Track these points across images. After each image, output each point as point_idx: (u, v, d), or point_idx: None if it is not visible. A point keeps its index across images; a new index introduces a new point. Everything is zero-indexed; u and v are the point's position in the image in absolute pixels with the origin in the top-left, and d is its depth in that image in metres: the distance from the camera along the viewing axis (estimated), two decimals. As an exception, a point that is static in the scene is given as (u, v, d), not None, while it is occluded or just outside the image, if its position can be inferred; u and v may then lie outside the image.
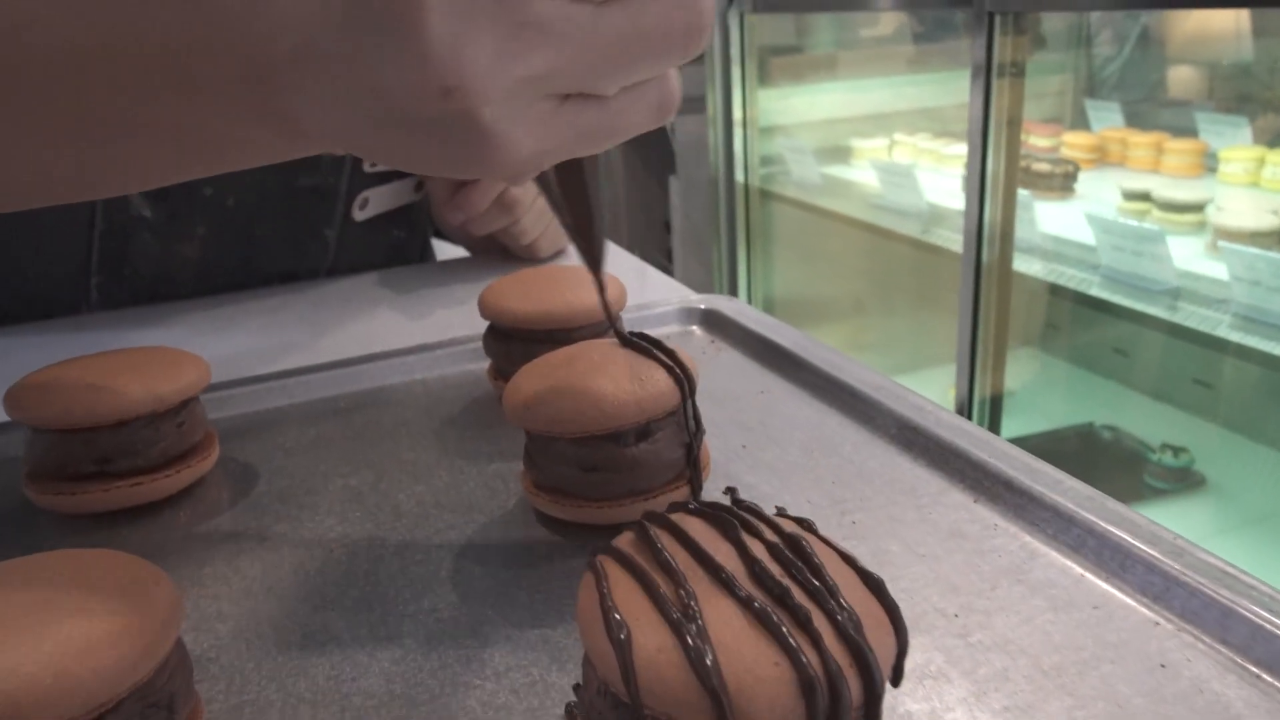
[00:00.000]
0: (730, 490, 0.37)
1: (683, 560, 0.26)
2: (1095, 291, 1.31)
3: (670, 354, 0.41)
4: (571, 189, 0.36)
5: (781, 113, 1.97)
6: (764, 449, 0.47)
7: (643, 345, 0.42)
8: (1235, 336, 1.18)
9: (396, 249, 0.87)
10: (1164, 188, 1.51)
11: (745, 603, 0.24)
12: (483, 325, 0.63)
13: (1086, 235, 1.50)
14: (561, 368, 0.40)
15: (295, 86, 0.26)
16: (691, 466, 0.41)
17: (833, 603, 0.25)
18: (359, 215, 0.81)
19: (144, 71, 0.28)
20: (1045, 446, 1.75)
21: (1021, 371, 1.80)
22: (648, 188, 2.57)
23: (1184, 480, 1.74)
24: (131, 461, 0.44)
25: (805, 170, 1.97)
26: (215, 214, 0.75)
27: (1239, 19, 1.65)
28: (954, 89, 2.08)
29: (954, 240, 1.70)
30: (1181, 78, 1.95)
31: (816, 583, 0.25)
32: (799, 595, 0.25)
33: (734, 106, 1.87)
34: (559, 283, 0.53)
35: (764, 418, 0.51)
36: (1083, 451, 1.83)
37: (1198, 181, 1.73)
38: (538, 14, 0.24)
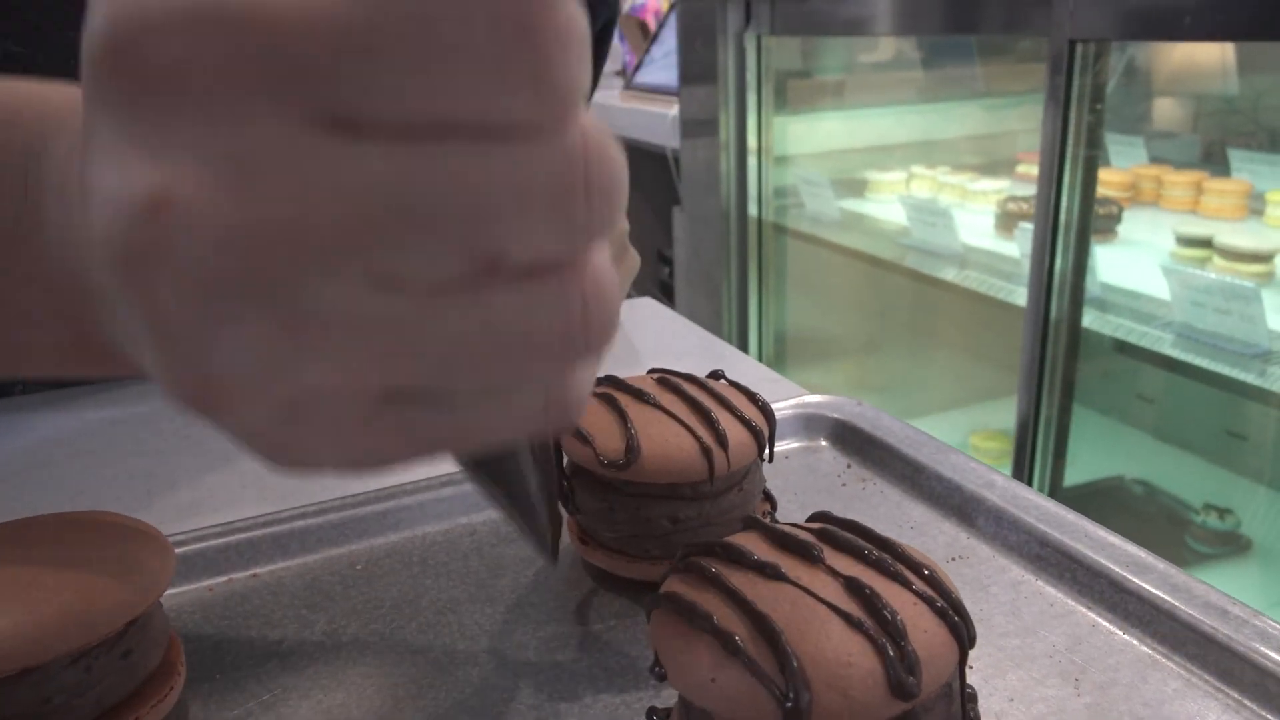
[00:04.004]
0: None
1: None
2: (1168, 351, 1.17)
3: (924, 574, 0.26)
4: (492, 475, 0.26)
5: (798, 141, 1.84)
6: (1004, 671, 0.32)
7: (861, 547, 0.27)
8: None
9: None
10: (1227, 234, 1.39)
11: None
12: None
13: (1136, 282, 1.37)
14: (750, 596, 0.25)
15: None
16: (963, 760, 0.25)
17: None
18: None
19: None
20: (1075, 502, 1.62)
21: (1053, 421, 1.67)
22: (642, 217, 2.42)
23: (1230, 544, 1.62)
24: (45, 724, 0.28)
25: (822, 204, 1.83)
26: None
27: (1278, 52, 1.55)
28: (977, 120, 1.96)
29: (981, 281, 1.57)
30: (1211, 112, 1.85)
31: None
32: None
33: (748, 134, 1.73)
34: (680, 404, 0.37)
35: (979, 609, 0.35)
36: (1116, 509, 1.71)
37: (1242, 225, 1.62)
38: (327, 307, 0.16)
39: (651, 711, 0.31)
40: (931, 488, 0.44)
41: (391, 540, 0.42)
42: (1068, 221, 1.10)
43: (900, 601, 0.25)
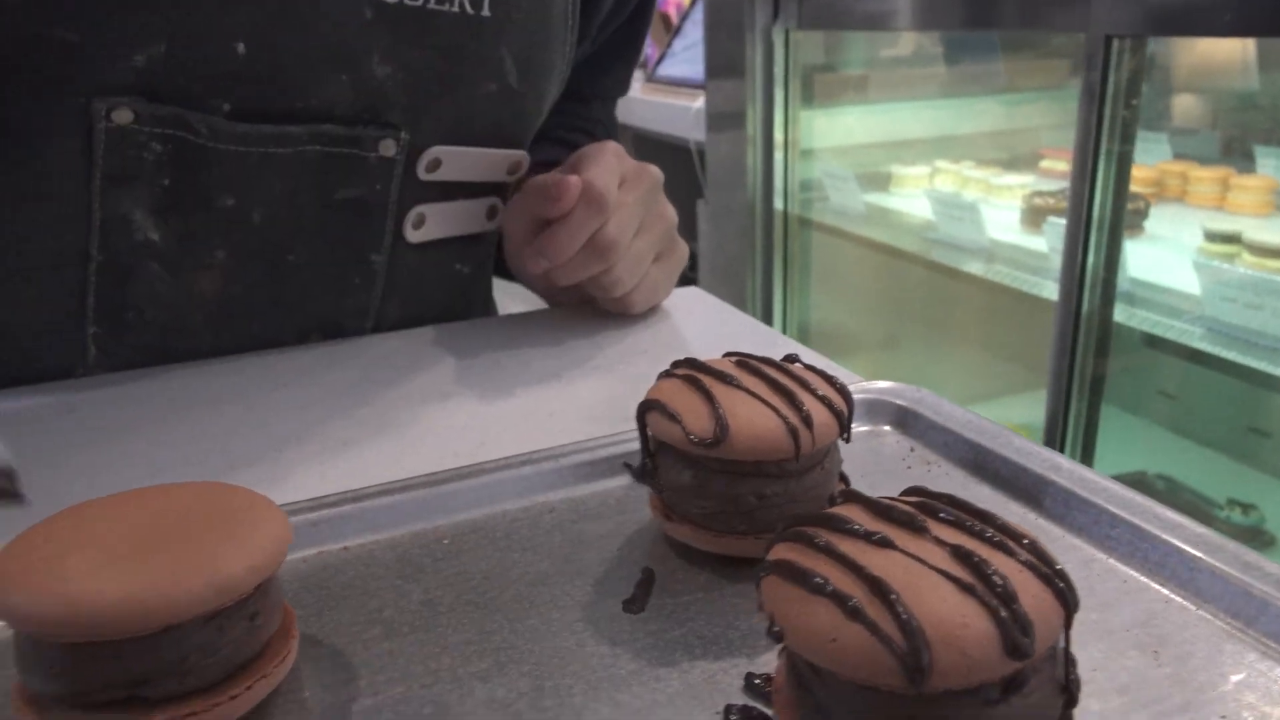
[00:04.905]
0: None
1: None
2: (1198, 344, 1.18)
3: (1025, 544, 0.27)
4: None
5: (823, 135, 1.85)
6: (1084, 642, 0.33)
7: (962, 518, 0.28)
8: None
9: (459, 289, 0.72)
10: (1255, 230, 1.40)
11: None
12: (608, 417, 0.49)
13: (1165, 277, 1.38)
14: (862, 562, 0.26)
15: None
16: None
17: None
18: (413, 236, 0.66)
19: None
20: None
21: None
22: (664, 210, 2.42)
23: (1253, 540, 1.62)
24: (181, 682, 0.29)
25: (846, 198, 1.84)
26: (238, 234, 0.60)
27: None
28: (1000, 115, 1.97)
29: (1009, 276, 1.58)
30: (1235, 108, 1.85)
31: None
32: None
33: (775, 128, 1.74)
34: (762, 385, 0.38)
35: (1052, 586, 0.37)
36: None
37: (1268, 221, 1.62)
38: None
39: (750, 676, 0.32)
40: (997, 470, 0.45)
41: (474, 516, 0.43)
42: (1100, 217, 1.11)
43: (1007, 568, 0.26)
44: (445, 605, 0.37)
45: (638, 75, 2.65)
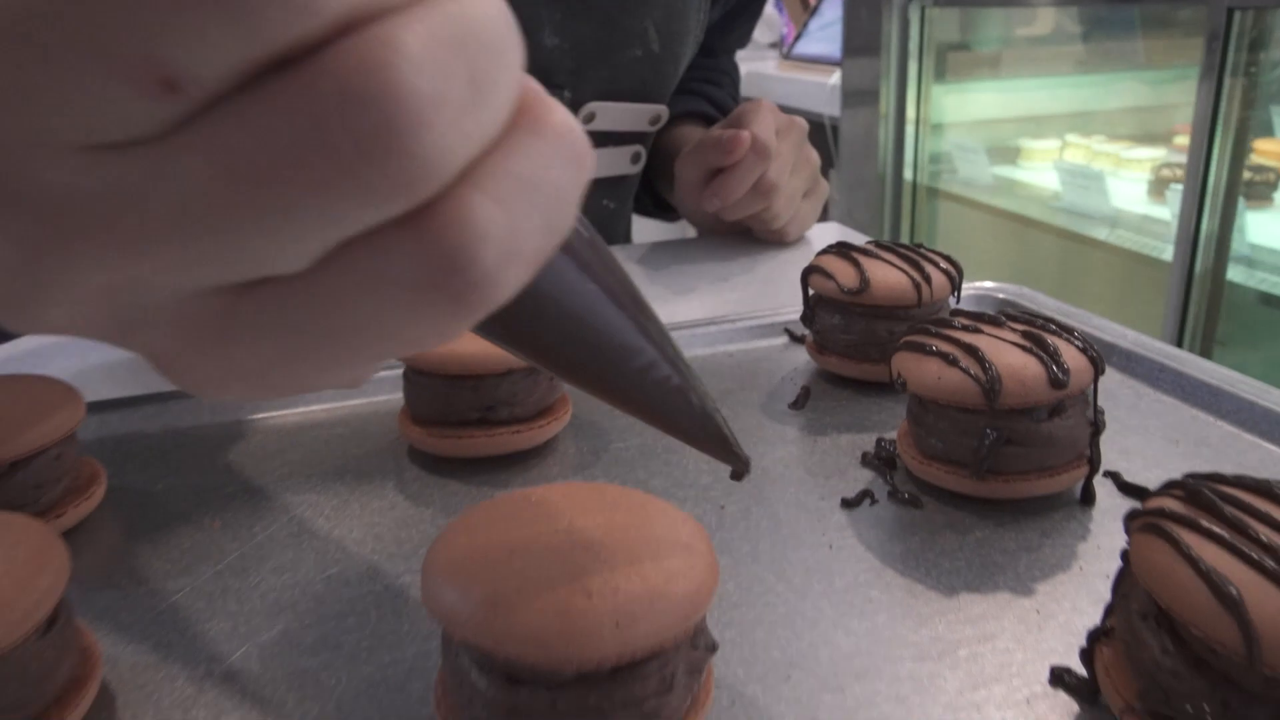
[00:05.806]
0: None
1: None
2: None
3: (1073, 332, 0.41)
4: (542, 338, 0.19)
5: (954, 111, 1.93)
6: (1124, 437, 0.46)
7: (1031, 318, 0.42)
8: None
9: (605, 222, 0.88)
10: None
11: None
12: (767, 303, 0.63)
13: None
14: (957, 336, 0.40)
15: None
16: (1092, 447, 0.40)
17: None
18: None
19: None
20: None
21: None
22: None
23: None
24: (510, 410, 0.45)
25: (975, 170, 1.92)
26: None
27: None
28: (1134, 92, 2.01)
29: (1134, 240, 1.64)
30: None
31: None
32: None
33: (908, 104, 1.84)
34: (894, 256, 0.52)
35: (1106, 408, 0.50)
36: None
37: None
38: (47, 190, 0.14)
39: (880, 439, 0.46)
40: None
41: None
42: (1216, 183, 1.18)
43: (1057, 342, 0.39)
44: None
45: (775, 54, 2.77)
